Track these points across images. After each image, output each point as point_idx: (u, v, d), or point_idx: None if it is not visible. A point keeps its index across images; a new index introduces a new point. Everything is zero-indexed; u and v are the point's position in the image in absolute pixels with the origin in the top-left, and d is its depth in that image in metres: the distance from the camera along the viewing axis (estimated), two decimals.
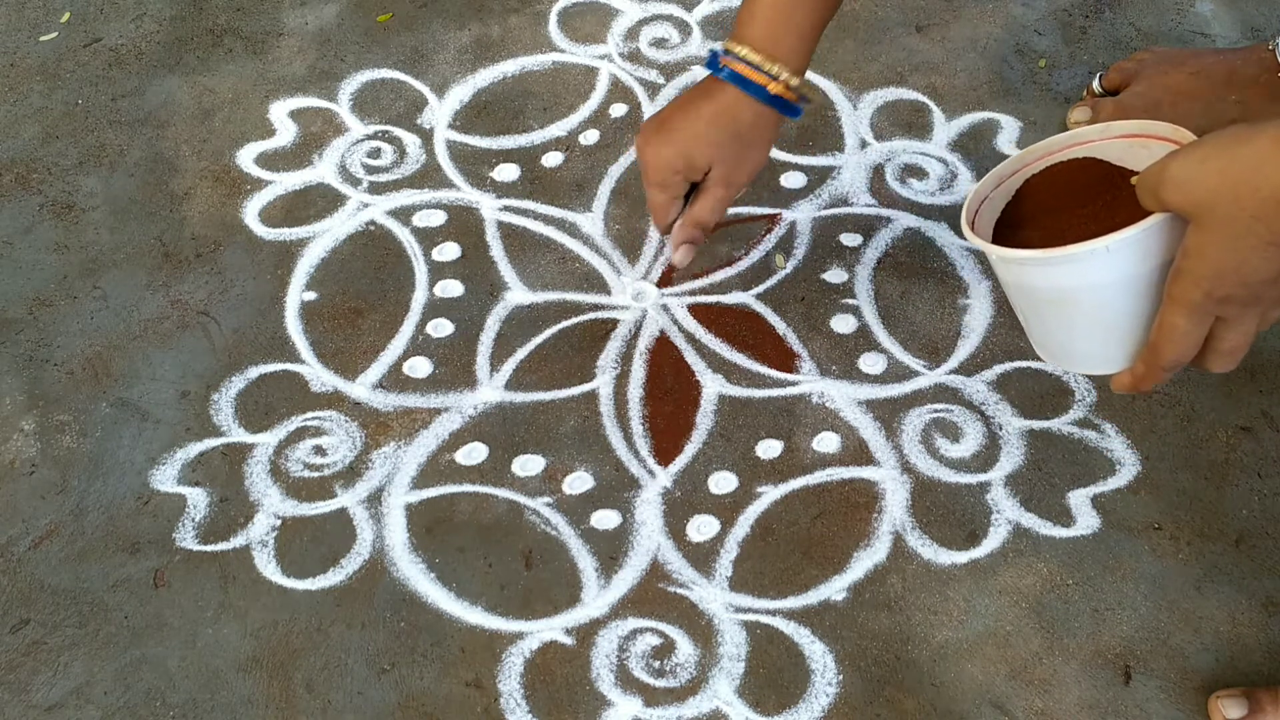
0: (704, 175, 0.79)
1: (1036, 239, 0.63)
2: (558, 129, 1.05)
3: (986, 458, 0.85)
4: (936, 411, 0.87)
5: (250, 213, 1.00)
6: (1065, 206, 0.64)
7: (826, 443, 0.86)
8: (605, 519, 0.82)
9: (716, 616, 0.78)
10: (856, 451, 0.85)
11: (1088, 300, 0.59)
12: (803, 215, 0.99)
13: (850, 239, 0.97)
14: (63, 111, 1.08)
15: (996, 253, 0.61)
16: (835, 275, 0.95)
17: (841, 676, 0.76)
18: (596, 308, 0.94)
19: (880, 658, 0.76)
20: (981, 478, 0.84)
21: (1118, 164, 0.63)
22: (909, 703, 0.74)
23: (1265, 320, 0.55)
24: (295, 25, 1.15)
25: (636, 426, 0.87)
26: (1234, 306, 0.54)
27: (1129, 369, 0.61)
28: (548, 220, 0.99)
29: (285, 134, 1.06)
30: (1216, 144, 0.51)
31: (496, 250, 0.97)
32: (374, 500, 0.84)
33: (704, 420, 0.87)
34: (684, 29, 1.13)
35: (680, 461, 0.85)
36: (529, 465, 0.85)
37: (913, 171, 1.01)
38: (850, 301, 0.93)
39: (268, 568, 0.81)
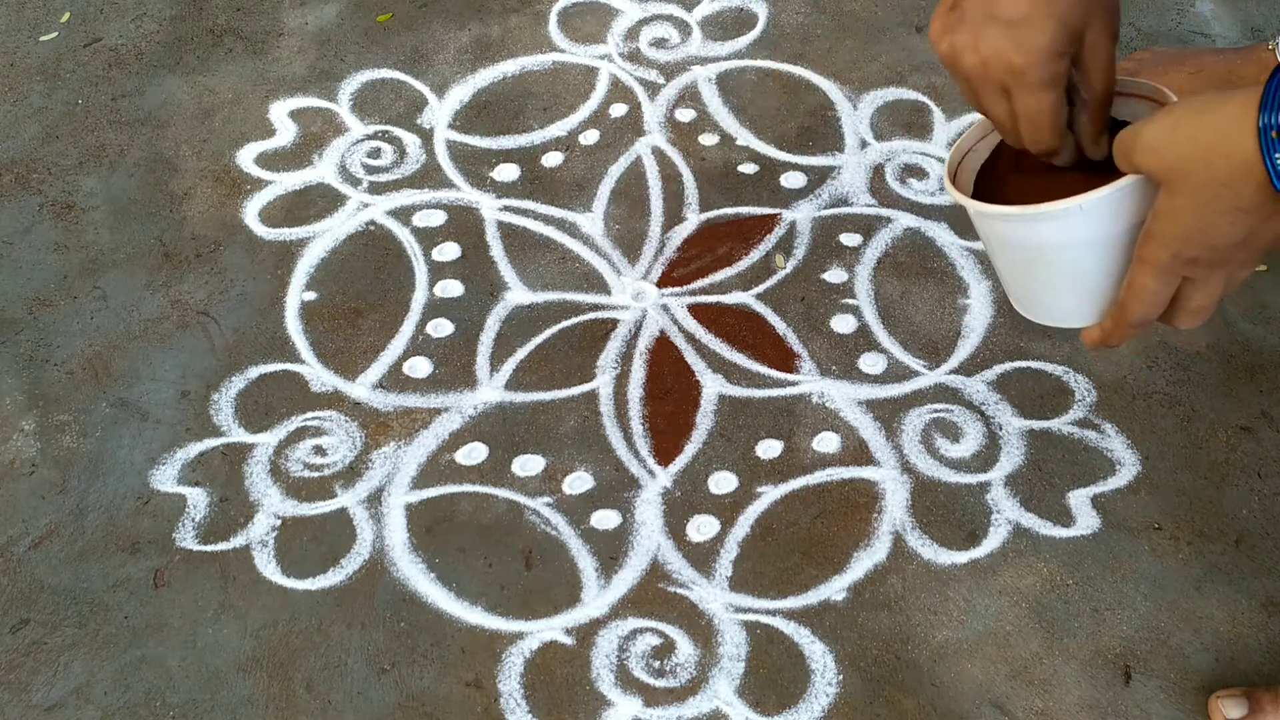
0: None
1: (1018, 193, 0.64)
2: (558, 129, 1.05)
3: (986, 458, 0.85)
4: (936, 411, 0.87)
5: (250, 213, 1.00)
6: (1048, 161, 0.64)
7: (826, 443, 0.86)
8: (605, 519, 0.82)
9: (716, 616, 0.78)
10: (856, 451, 0.85)
11: (1061, 257, 0.60)
12: (803, 215, 0.99)
13: (850, 239, 0.97)
14: (63, 111, 1.08)
15: (974, 207, 0.62)
16: (835, 275, 0.95)
17: (841, 676, 0.75)
18: (596, 308, 0.94)
19: (880, 658, 0.76)
20: (981, 478, 0.84)
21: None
22: (909, 703, 0.74)
23: (1231, 282, 0.56)
24: (295, 25, 1.15)
25: (636, 426, 0.87)
26: (1201, 268, 0.55)
27: (1098, 324, 0.63)
28: (548, 220, 0.99)
29: (285, 134, 1.06)
30: (1189, 110, 0.52)
31: (496, 250, 0.97)
32: (374, 500, 0.84)
33: (704, 420, 0.87)
34: (684, 29, 1.13)
35: (680, 461, 0.85)
36: (529, 465, 0.85)
37: (913, 171, 1.01)
38: (850, 301, 0.93)
39: (268, 568, 0.81)
